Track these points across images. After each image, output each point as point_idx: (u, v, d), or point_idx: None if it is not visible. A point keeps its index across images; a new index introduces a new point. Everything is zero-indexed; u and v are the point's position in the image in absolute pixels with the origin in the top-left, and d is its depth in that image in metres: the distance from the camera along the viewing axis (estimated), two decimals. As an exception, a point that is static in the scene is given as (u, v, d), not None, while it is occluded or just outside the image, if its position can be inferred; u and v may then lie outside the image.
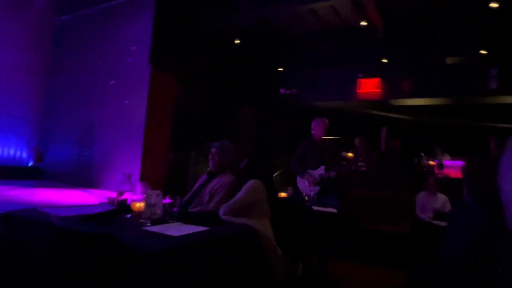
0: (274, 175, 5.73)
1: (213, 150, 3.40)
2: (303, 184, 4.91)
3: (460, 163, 6.51)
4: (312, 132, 5.02)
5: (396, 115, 11.09)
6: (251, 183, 2.99)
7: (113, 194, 3.10)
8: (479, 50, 7.37)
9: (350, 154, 7.74)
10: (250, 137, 10.68)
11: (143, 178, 7.29)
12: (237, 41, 9.36)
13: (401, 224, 5.21)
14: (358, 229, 5.41)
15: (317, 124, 5.01)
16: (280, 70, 10.53)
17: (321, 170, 4.81)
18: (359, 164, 7.44)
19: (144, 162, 7.58)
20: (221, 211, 2.87)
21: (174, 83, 8.32)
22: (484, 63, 7.43)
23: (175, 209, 2.80)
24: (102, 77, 8.65)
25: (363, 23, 7.40)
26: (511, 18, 6.65)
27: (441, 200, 5.15)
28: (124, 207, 2.79)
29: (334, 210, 4.31)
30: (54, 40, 10.15)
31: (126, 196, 3.10)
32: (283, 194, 5.11)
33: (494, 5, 6.14)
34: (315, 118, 5.06)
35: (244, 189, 2.98)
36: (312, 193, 4.37)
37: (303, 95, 10.09)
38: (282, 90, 10.35)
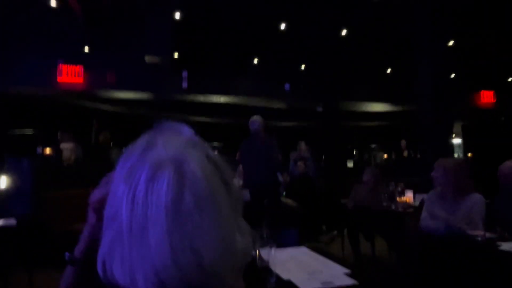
0: None
1: None
2: None
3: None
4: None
5: (106, 107, 10.96)
6: None
7: None
8: (173, 53, 8.42)
9: (48, 150, 6.90)
10: None
11: None
12: None
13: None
14: (52, 233, 4.89)
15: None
16: None
17: None
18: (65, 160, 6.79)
19: None
20: None
21: None
22: (178, 65, 8.56)
23: None
24: None
25: (53, 3, 6.64)
26: (194, 29, 7.97)
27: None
28: None
29: (13, 222, 3.65)
30: None
31: None
32: None
33: (177, 16, 7.17)
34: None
35: None
36: None
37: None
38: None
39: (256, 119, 4.47)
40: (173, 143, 0.55)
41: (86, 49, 8.21)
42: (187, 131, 0.59)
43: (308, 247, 1.92)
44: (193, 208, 0.50)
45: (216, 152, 0.60)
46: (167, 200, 0.49)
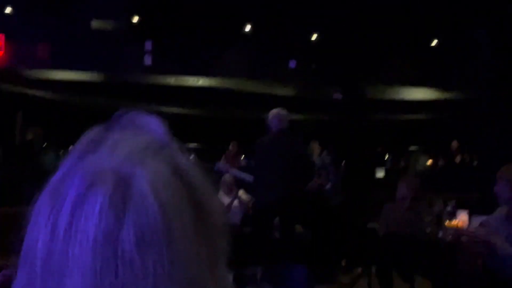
0: None
1: None
2: None
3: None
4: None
5: (37, 92, 10.92)
6: None
7: None
8: (132, 16, 8.38)
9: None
10: None
11: None
12: None
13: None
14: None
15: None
16: None
17: None
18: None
19: None
20: None
21: None
22: (138, 34, 8.54)
23: None
24: None
25: None
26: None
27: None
28: None
29: None
30: None
31: None
32: None
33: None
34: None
35: None
36: None
37: None
38: None
39: (280, 112, 4.58)
40: (124, 147, 0.51)
41: (8, 10, 8.15)
42: (154, 128, 0.55)
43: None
44: (135, 248, 0.45)
45: (192, 157, 0.57)
46: (97, 233, 0.45)
